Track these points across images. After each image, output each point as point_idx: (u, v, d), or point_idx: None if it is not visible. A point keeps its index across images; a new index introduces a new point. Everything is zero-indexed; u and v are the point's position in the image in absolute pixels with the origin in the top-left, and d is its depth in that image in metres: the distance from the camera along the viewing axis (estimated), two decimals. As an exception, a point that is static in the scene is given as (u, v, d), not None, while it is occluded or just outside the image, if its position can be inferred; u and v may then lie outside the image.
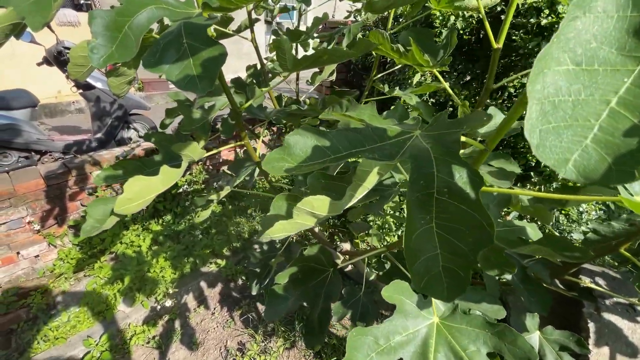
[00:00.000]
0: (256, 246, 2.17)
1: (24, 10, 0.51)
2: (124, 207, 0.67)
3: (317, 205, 0.31)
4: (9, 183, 1.69)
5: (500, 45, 0.73)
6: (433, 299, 0.58)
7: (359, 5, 2.07)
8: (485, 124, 0.31)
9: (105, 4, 5.90)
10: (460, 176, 0.32)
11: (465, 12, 1.58)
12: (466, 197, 0.31)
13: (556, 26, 1.48)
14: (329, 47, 1.51)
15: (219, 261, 2.00)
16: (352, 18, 3.24)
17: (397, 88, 1.54)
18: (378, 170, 0.32)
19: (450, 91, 0.94)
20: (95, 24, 0.50)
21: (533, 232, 0.78)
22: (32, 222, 1.78)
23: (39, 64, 3.17)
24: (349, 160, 0.39)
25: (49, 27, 2.85)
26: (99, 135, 3.19)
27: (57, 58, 2.95)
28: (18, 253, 1.79)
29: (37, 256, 1.86)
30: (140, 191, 0.69)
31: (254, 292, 1.21)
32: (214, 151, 0.92)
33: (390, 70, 1.65)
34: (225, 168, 2.68)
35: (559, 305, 1.18)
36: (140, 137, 3.51)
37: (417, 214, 0.32)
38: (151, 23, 0.52)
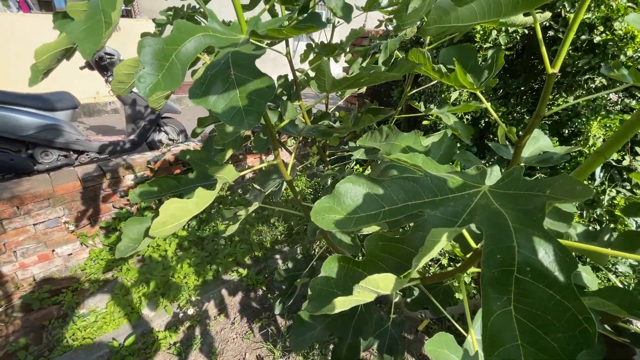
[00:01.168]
0: (279, 261, 2.16)
1: (76, 37, 0.51)
2: (158, 230, 0.66)
3: (383, 284, 0.28)
4: (49, 184, 1.77)
5: (557, 69, 0.67)
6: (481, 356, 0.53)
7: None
8: (580, 198, 0.27)
9: (145, 10, 6.18)
10: (547, 254, 0.28)
11: (509, 27, 1.50)
12: (554, 280, 0.27)
13: (610, 44, 1.38)
14: (365, 64, 1.47)
15: (240, 270, 2.00)
16: (382, 27, 3.19)
17: (432, 105, 1.48)
18: (447, 236, 0.28)
19: (494, 113, 0.88)
20: (144, 53, 0.49)
21: (590, 278, 0.71)
22: (67, 222, 1.85)
23: (81, 68, 3.35)
24: (405, 214, 0.36)
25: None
26: (132, 137, 3.31)
27: (98, 63, 3.10)
28: (53, 251, 1.87)
29: (70, 254, 1.94)
30: (175, 214, 0.68)
31: (277, 311, 1.18)
32: (247, 170, 0.91)
33: (425, 86, 1.59)
34: (250, 174, 2.70)
35: (608, 350, 1.07)
36: (170, 139, 3.61)
37: (492, 293, 0.28)
38: (198, 51, 0.51)
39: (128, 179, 2.04)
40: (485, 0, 0.54)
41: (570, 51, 1.47)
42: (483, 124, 2.24)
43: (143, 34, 0.91)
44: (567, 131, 1.99)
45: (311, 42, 1.79)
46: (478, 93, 0.92)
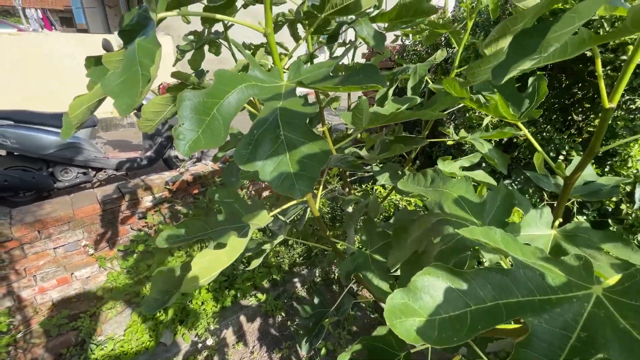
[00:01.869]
0: (298, 284, 2.10)
1: (111, 91, 0.48)
2: (191, 286, 0.62)
3: None
4: (69, 207, 1.77)
5: (614, 104, 0.60)
6: None
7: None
8: None
9: (161, 27, 6.32)
10: None
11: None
12: None
13: (653, 64, 1.29)
14: (392, 95, 1.42)
15: (259, 295, 1.94)
16: (399, 42, 3.15)
17: (449, 126, 1.42)
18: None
19: (536, 143, 0.82)
20: (183, 107, 0.45)
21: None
22: (87, 245, 1.84)
23: (101, 86, 3.41)
24: (500, 320, 0.30)
25: (113, 54, 3.07)
26: (149, 153, 3.34)
27: (118, 81, 3.15)
28: (72, 274, 1.86)
29: (88, 277, 1.92)
30: (208, 267, 0.64)
31: (303, 351, 1.12)
32: (278, 210, 0.86)
33: (452, 109, 1.53)
34: (265, 194, 2.66)
35: None
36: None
37: None
38: (241, 105, 0.46)
39: (146, 201, 2.03)
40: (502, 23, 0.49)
41: (609, 71, 1.40)
42: (504, 140, 2.16)
43: (173, 74, 0.88)
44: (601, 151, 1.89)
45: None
46: (519, 124, 0.86)
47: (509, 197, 0.62)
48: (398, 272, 0.76)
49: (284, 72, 0.56)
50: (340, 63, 1.36)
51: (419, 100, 0.95)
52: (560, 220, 0.76)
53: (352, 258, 0.89)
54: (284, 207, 0.90)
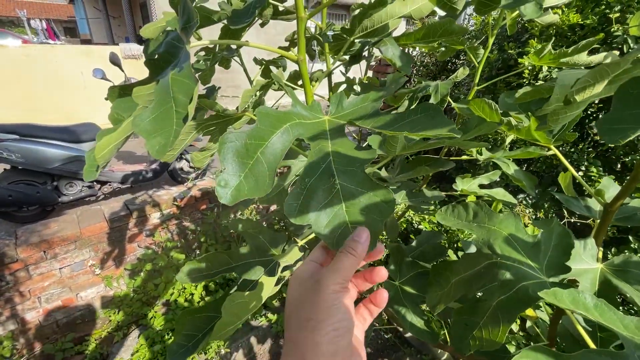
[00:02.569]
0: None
1: (143, 130, 0.44)
2: (222, 333, 0.57)
3: None
4: (76, 226, 1.72)
5: None
6: None
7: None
8: None
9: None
10: None
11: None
12: None
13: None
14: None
15: (269, 315, 1.88)
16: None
17: (486, 150, 1.38)
18: None
19: (569, 166, 0.77)
20: (225, 150, 0.41)
21: None
22: (93, 264, 1.79)
23: (106, 99, 3.39)
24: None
25: (119, 67, 3.05)
26: (153, 166, 3.29)
27: (124, 94, 3.13)
28: (77, 295, 1.80)
29: (93, 298, 1.87)
30: (238, 313, 0.59)
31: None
32: (305, 239, 0.82)
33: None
34: (273, 207, 2.61)
35: None
36: (191, 167, 3.59)
37: None
38: (287, 147, 0.42)
39: (154, 217, 1.98)
40: (606, 65, 0.45)
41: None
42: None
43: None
44: (619, 166, 1.85)
45: (349, 77, 1.72)
46: (552, 147, 0.82)
47: (565, 236, 0.58)
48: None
49: (316, 98, 0.52)
50: (352, 77, 1.33)
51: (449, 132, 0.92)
52: (601, 249, 0.71)
53: (381, 291, 0.84)
54: (309, 237, 0.85)
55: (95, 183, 3.08)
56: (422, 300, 0.81)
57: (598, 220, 0.81)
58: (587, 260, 0.69)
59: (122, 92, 0.56)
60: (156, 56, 0.58)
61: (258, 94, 1.07)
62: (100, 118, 4.89)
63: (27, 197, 2.69)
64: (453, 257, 1.27)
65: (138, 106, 0.49)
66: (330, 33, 1.04)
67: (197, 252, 2.12)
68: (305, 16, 0.61)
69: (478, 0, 0.83)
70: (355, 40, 1.03)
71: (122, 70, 3.06)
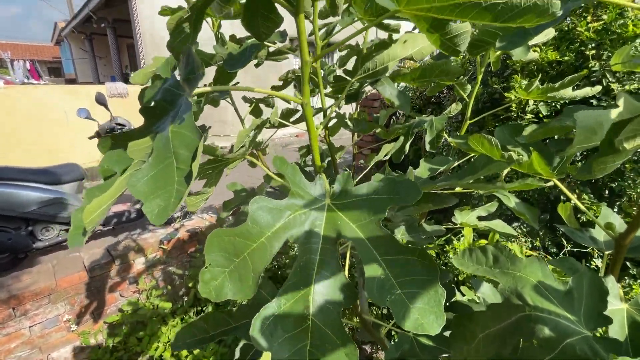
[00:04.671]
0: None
1: (139, 192, 0.39)
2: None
3: None
4: (51, 276, 1.58)
5: None
6: None
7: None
8: None
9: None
10: None
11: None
12: None
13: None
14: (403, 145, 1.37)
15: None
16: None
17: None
18: None
19: (569, 193, 0.75)
20: (212, 243, 0.37)
21: None
22: (69, 320, 1.62)
23: (90, 138, 3.31)
24: None
25: (105, 106, 3.01)
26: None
27: (109, 134, 3.07)
28: (48, 356, 1.61)
29: (66, 358, 1.67)
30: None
31: None
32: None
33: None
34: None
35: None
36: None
37: None
38: (275, 252, 0.38)
39: (139, 263, 1.85)
40: (626, 109, 0.44)
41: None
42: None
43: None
44: (607, 192, 1.88)
45: (339, 112, 1.73)
46: (555, 180, 0.81)
47: (597, 283, 0.54)
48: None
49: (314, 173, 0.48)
50: (342, 112, 1.32)
51: (455, 163, 0.90)
52: (621, 286, 0.68)
53: (395, 345, 0.77)
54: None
55: (74, 226, 2.91)
56: (442, 352, 0.74)
57: (606, 252, 0.78)
58: (611, 301, 0.65)
59: (113, 142, 0.52)
60: (152, 103, 0.55)
61: (253, 133, 1.05)
62: (83, 157, 4.76)
63: (-2, 244, 2.50)
64: (469, 294, 1.21)
65: (133, 161, 0.44)
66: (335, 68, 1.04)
67: (185, 299, 1.97)
68: (310, 60, 0.59)
69: (471, 42, 0.86)
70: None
71: (108, 110, 3.02)
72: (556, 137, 0.88)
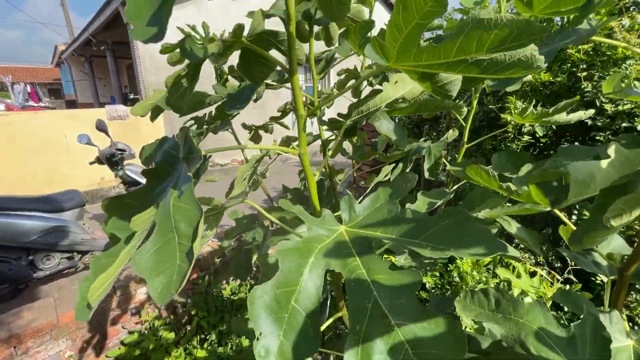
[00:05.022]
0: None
1: (143, 269, 0.39)
2: None
3: None
4: (53, 312, 1.56)
5: None
6: None
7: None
8: None
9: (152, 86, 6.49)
10: None
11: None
12: None
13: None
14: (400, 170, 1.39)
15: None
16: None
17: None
18: None
19: (566, 220, 0.76)
20: (255, 309, 0.36)
21: None
22: (71, 356, 1.60)
23: (91, 163, 3.33)
24: None
25: (106, 133, 3.04)
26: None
27: (110, 159, 3.08)
28: (50, 394, 1.58)
29: (69, 395, 1.64)
30: None
31: None
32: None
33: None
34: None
35: None
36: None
37: None
38: (321, 285, 0.38)
39: (140, 293, 1.84)
40: (617, 159, 0.45)
41: (609, 136, 1.43)
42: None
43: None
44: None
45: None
46: (556, 210, 0.81)
47: (599, 329, 0.54)
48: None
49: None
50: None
51: (451, 195, 0.91)
52: (625, 320, 0.67)
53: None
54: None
55: (75, 253, 2.90)
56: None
57: (609, 278, 0.78)
58: (617, 337, 0.64)
59: (118, 205, 0.52)
60: (153, 164, 0.56)
61: (252, 169, 1.06)
62: (83, 180, 4.77)
63: (-2, 275, 2.48)
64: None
65: (136, 233, 0.45)
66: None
67: (188, 327, 1.95)
68: (305, 114, 0.60)
69: (465, 77, 0.87)
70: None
71: (109, 136, 3.05)
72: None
